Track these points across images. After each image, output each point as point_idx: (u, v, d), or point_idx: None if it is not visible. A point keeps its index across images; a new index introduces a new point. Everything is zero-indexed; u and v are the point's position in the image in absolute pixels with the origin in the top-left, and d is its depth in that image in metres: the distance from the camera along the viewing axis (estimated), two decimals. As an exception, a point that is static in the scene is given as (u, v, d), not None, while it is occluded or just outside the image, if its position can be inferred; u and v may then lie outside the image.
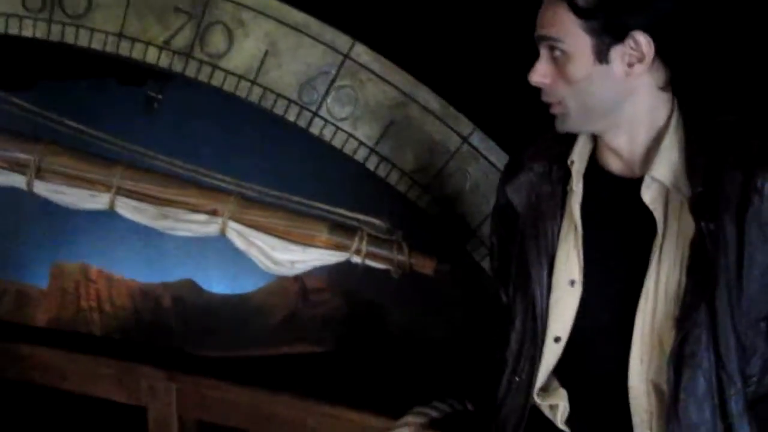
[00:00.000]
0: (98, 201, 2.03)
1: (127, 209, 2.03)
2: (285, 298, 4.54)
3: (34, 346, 2.11)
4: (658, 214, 1.39)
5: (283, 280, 4.38)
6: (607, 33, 1.35)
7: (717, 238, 1.31)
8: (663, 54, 1.37)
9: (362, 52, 2.29)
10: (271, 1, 2.27)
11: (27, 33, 2.23)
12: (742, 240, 1.31)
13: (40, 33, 2.24)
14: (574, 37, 1.36)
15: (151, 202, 2.03)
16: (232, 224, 2.03)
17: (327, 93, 2.31)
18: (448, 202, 2.33)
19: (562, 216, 1.49)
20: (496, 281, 1.67)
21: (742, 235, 1.31)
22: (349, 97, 2.32)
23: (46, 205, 2.12)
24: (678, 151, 1.39)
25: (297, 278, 4.46)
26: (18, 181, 2.02)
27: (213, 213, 2.03)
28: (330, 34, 2.29)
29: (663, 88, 1.41)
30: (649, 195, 1.39)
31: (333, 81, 2.31)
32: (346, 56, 2.30)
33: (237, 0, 2.26)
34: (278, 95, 2.31)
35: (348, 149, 2.34)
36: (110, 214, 2.08)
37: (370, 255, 2.03)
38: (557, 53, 1.38)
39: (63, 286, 4.11)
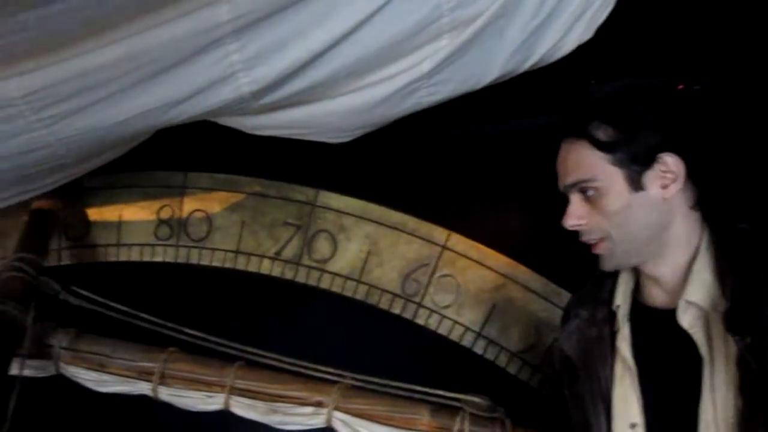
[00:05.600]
0: (214, 402, 2.15)
1: (241, 407, 2.14)
2: None
3: None
4: (699, 339, 1.33)
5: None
6: (635, 161, 1.37)
7: (759, 352, 1.22)
8: (691, 172, 1.38)
9: (458, 242, 2.40)
10: (370, 205, 2.47)
11: (158, 258, 2.54)
12: None
13: (169, 257, 2.54)
14: (604, 172, 1.38)
15: (262, 398, 2.13)
16: (336, 414, 2.07)
17: (429, 283, 2.41)
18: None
19: (613, 358, 1.45)
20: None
21: None
22: (451, 285, 2.39)
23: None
24: (711, 272, 1.35)
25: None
26: (144, 388, 2.19)
27: (318, 405, 2.09)
28: (426, 228, 2.43)
29: (693, 208, 1.40)
30: (686, 320, 1.34)
31: (433, 272, 2.41)
32: (444, 247, 2.41)
33: (338, 208, 2.48)
34: (383, 290, 2.43)
35: (454, 336, 2.38)
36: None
37: (473, 435, 1.99)
38: (591, 192, 1.40)
39: None
